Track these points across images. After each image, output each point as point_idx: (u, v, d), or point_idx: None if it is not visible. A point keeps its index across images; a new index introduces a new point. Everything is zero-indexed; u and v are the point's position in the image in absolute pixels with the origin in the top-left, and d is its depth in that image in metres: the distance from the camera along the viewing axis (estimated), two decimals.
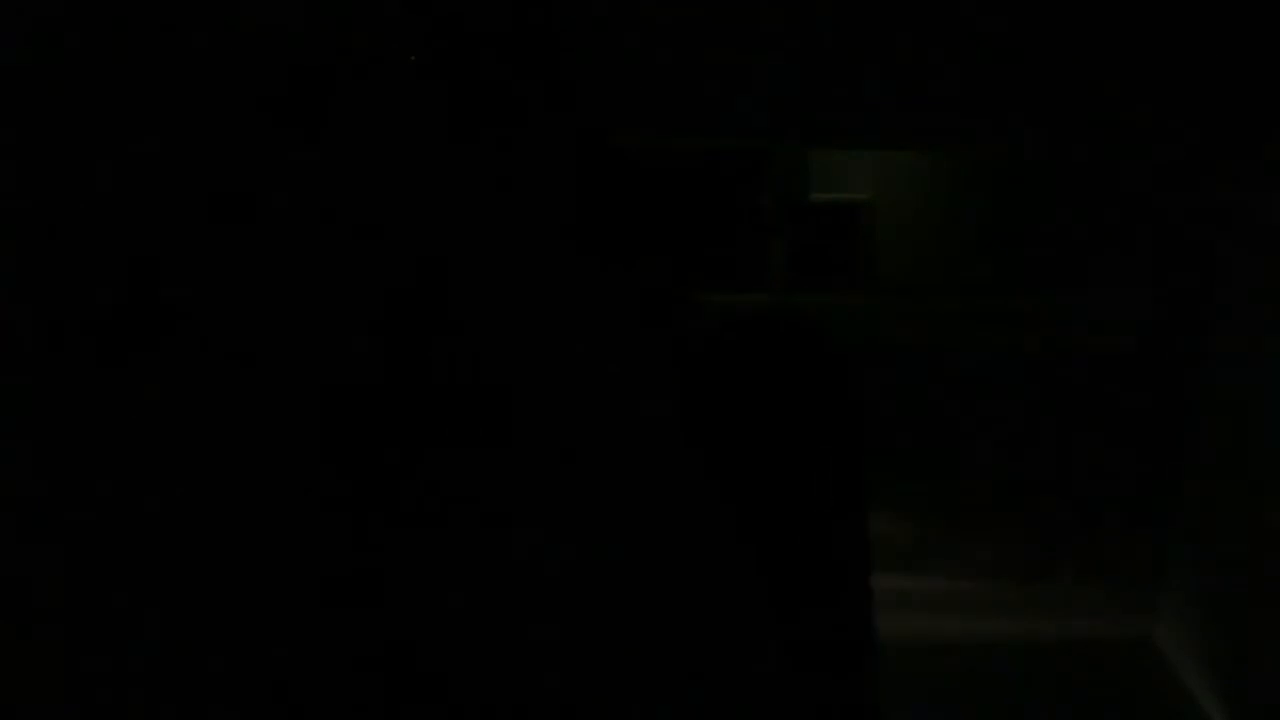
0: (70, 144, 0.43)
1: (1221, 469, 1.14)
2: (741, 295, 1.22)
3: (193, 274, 0.42)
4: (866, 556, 0.59)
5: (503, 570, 0.43)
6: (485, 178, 0.46)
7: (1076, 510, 1.24)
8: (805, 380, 0.58)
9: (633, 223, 0.51)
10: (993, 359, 1.20)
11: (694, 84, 1.05)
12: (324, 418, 0.42)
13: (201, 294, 0.42)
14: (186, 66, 0.44)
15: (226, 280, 0.43)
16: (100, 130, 0.43)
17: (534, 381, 0.45)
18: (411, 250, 0.44)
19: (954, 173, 1.24)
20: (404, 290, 0.43)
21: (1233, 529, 1.12)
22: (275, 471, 0.42)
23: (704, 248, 1.23)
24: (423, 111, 0.46)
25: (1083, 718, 1.16)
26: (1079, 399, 1.21)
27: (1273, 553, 1.04)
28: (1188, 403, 1.19)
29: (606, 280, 0.49)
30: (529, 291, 0.45)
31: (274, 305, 0.43)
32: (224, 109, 0.44)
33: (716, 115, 1.08)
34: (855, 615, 0.58)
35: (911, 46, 1.05)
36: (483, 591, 0.43)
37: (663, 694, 0.45)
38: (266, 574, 0.41)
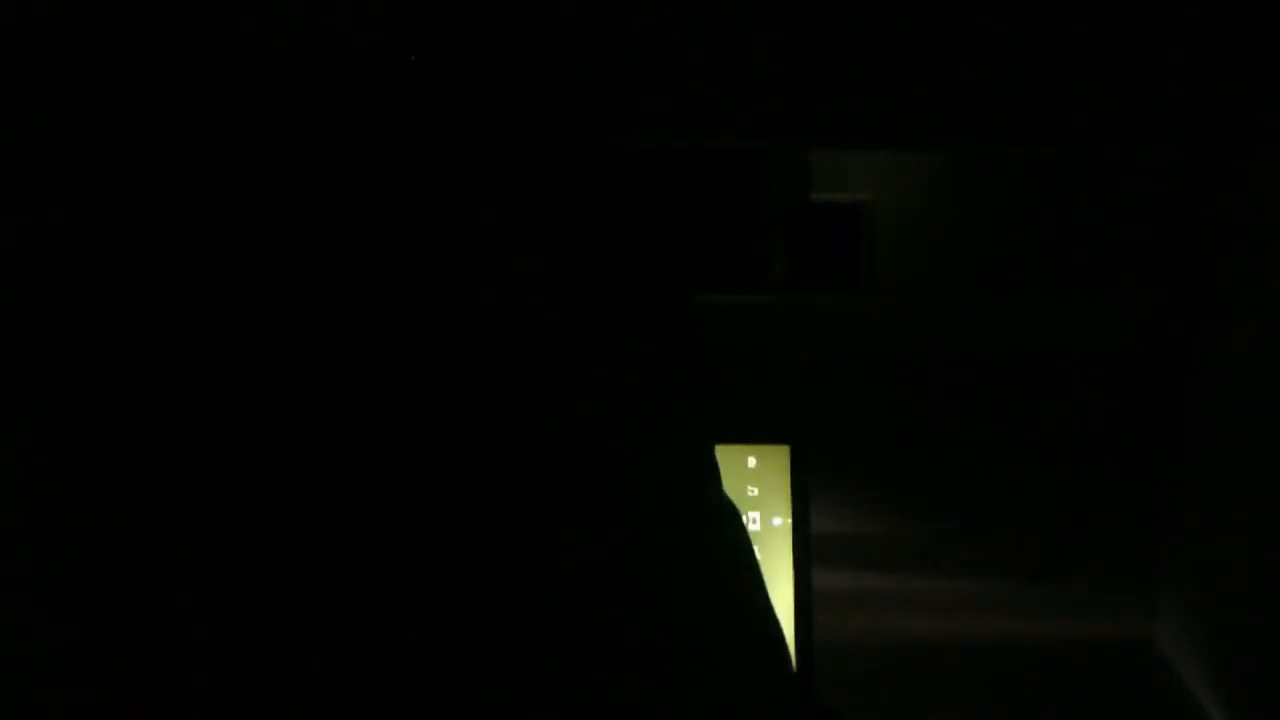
0: (64, 140, 0.43)
1: (1221, 469, 1.14)
2: (741, 295, 1.22)
3: (189, 270, 0.42)
4: None
5: (507, 571, 0.43)
6: (485, 179, 0.46)
7: (1076, 511, 1.24)
8: None
9: (632, 223, 0.51)
10: (992, 359, 1.20)
11: (694, 84, 1.05)
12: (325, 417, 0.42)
13: (199, 288, 0.42)
14: (181, 65, 0.44)
15: (224, 278, 0.43)
16: (96, 128, 0.43)
17: (536, 381, 0.44)
18: (411, 253, 0.44)
19: (954, 173, 1.24)
20: (407, 290, 0.43)
21: (1233, 529, 1.12)
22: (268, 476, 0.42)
23: (704, 248, 1.22)
24: (422, 112, 0.46)
25: (1083, 718, 1.16)
26: (1078, 399, 1.21)
27: (1273, 553, 1.04)
28: (1187, 403, 1.19)
29: (608, 281, 0.49)
30: (531, 293, 0.45)
31: (273, 304, 0.43)
32: (221, 108, 0.44)
33: (716, 115, 1.08)
34: None
35: (911, 46, 1.05)
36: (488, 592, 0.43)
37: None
38: (264, 576, 0.41)
